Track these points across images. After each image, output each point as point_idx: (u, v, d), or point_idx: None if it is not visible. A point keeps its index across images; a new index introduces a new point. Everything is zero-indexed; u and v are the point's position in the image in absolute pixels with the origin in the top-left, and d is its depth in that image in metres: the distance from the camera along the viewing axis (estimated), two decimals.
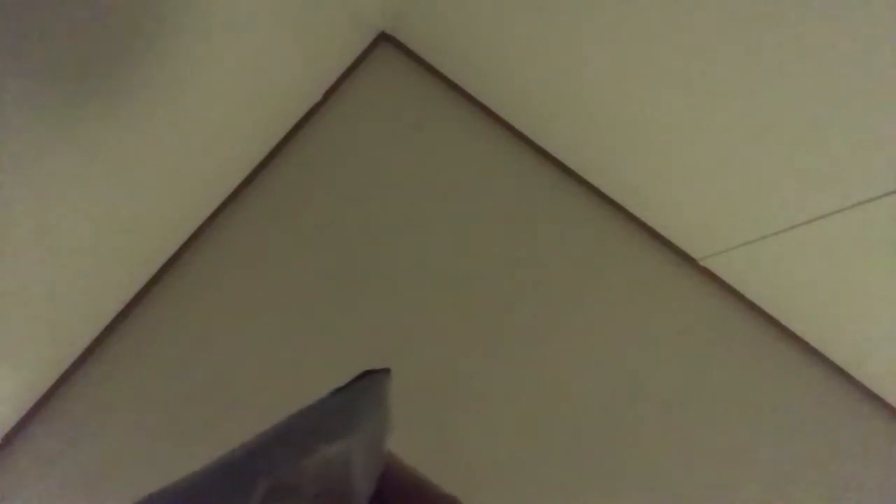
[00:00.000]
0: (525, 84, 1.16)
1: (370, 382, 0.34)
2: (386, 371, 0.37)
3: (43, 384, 1.13)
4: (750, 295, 1.26)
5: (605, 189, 1.30)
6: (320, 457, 0.25)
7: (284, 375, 1.21)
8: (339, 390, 0.32)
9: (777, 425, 1.23)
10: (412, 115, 1.33)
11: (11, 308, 0.86)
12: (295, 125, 1.31)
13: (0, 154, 0.63)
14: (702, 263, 1.27)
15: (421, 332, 1.24)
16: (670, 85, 0.86)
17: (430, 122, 1.33)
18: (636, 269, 1.29)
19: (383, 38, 1.36)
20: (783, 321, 1.26)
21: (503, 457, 1.19)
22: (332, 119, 1.32)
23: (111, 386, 1.17)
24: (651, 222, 1.29)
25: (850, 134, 0.73)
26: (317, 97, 1.31)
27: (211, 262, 1.24)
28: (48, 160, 0.73)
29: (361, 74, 1.34)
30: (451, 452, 1.18)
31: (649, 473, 1.20)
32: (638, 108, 0.97)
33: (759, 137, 0.84)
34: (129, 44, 0.71)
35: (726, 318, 1.27)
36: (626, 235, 1.30)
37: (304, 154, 1.31)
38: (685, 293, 1.28)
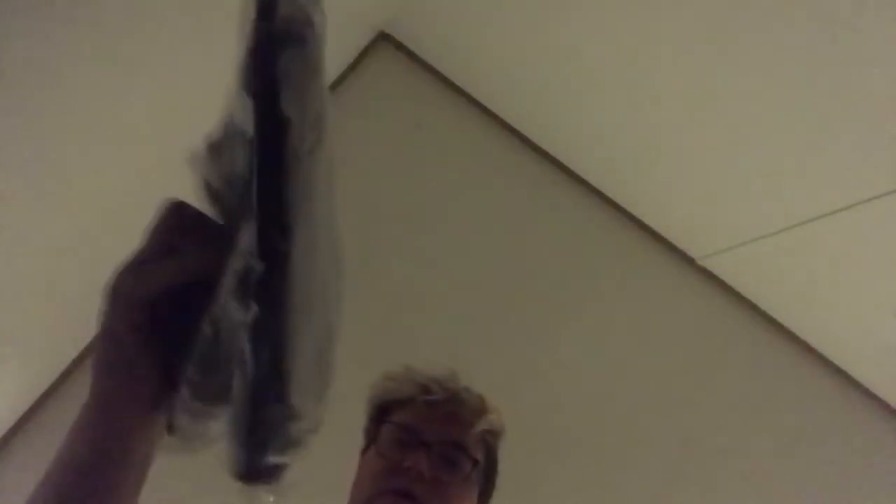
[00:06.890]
0: (524, 84, 1.16)
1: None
2: None
3: (43, 383, 1.13)
4: (749, 294, 1.26)
5: (605, 189, 1.30)
6: None
7: None
8: None
9: (776, 424, 1.23)
10: (411, 114, 1.33)
11: (11, 307, 0.86)
12: None
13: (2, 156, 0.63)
14: (700, 263, 1.27)
15: (420, 332, 1.24)
16: (671, 85, 0.86)
17: (429, 121, 1.33)
18: (635, 268, 1.29)
19: (383, 38, 1.35)
20: (782, 321, 1.26)
21: (501, 455, 1.19)
22: None
23: None
24: (651, 222, 1.29)
25: (850, 134, 0.73)
26: None
27: None
28: (51, 158, 0.73)
29: (361, 74, 1.34)
30: None
31: (647, 471, 1.20)
32: (638, 108, 0.97)
33: (759, 138, 0.84)
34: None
35: (725, 318, 1.27)
36: (626, 235, 1.30)
37: None
38: (684, 293, 1.28)
